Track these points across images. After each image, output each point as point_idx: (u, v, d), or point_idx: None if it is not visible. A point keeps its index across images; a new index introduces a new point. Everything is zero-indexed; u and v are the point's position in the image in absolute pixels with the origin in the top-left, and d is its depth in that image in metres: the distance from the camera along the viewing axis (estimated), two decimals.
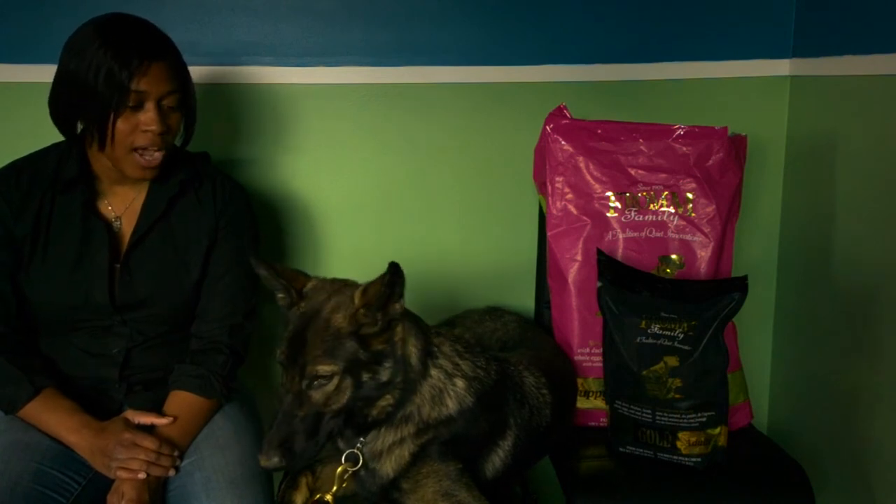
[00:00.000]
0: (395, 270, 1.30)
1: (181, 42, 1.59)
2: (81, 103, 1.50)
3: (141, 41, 1.51)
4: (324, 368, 1.30)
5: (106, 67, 1.46)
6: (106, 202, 1.63)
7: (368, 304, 1.33)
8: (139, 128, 1.50)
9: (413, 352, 1.39)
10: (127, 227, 1.63)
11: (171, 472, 1.51)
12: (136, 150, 1.52)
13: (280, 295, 1.41)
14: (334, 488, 1.42)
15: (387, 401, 1.37)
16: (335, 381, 1.31)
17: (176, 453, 1.52)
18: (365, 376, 1.33)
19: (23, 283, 1.58)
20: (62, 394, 1.56)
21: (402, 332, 1.38)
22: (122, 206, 1.64)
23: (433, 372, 1.42)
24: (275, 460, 1.29)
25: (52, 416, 1.53)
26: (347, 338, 1.31)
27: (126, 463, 1.46)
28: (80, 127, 1.58)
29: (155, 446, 1.49)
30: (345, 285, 1.40)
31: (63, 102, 1.54)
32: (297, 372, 1.32)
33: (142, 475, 1.46)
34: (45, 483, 1.48)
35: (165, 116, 1.53)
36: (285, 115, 2.06)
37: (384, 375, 1.34)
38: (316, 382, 1.31)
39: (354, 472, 1.42)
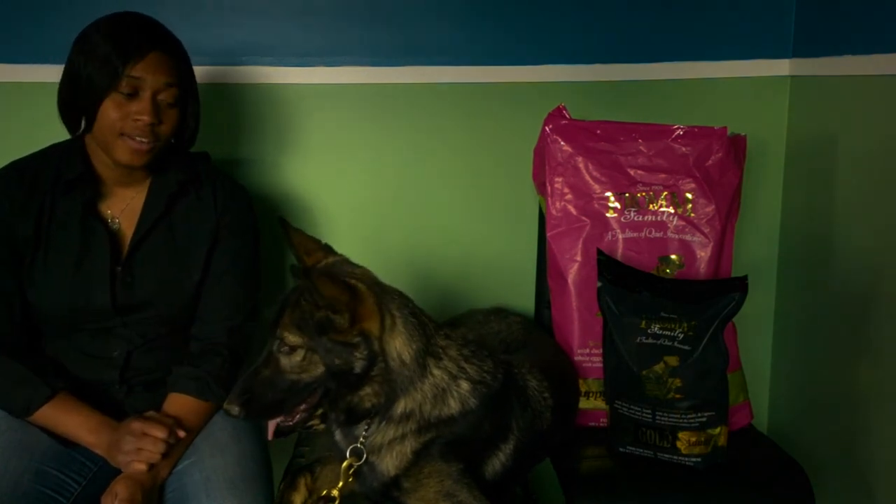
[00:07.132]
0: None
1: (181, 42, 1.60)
2: (80, 91, 1.51)
3: (142, 31, 1.53)
4: (290, 338, 1.34)
5: (103, 53, 1.48)
6: (106, 204, 1.63)
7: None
8: (130, 116, 1.50)
9: (405, 351, 1.39)
10: (127, 230, 1.62)
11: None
12: (123, 134, 1.51)
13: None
14: (340, 483, 1.43)
15: (367, 392, 1.38)
16: (301, 353, 1.34)
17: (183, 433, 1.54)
18: (337, 361, 1.34)
19: (24, 286, 1.58)
20: (74, 395, 1.55)
21: (379, 331, 1.37)
22: (123, 208, 1.63)
23: (436, 372, 1.42)
24: (234, 408, 1.34)
25: (72, 418, 1.53)
26: (314, 321, 1.34)
27: (135, 454, 1.47)
28: (83, 125, 1.56)
29: (164, 435, 1.49)
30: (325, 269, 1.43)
31: (66, 93, 1.54)
32: (271, 333, 1.37)
33: (154, 459, 1.47)
34: (45, 483, 1.48)
35: (160, 110, 1.52)
36: (285, 115, 2.06)
37: (357, 366, 1.35)
38: (284, 348, 1.34)
39: (357, 468, 1.43)
